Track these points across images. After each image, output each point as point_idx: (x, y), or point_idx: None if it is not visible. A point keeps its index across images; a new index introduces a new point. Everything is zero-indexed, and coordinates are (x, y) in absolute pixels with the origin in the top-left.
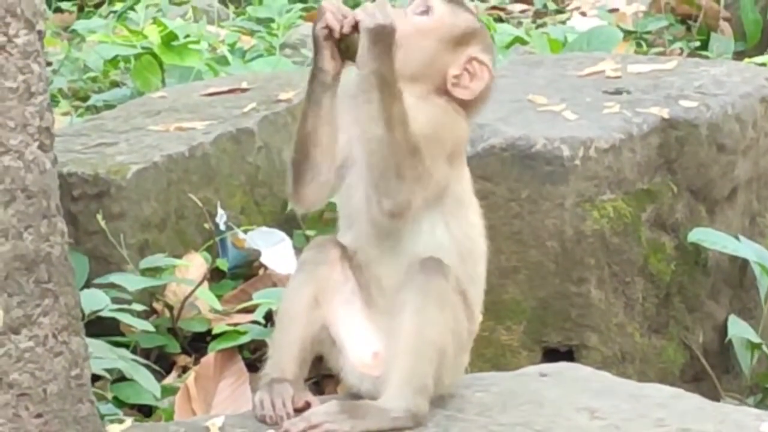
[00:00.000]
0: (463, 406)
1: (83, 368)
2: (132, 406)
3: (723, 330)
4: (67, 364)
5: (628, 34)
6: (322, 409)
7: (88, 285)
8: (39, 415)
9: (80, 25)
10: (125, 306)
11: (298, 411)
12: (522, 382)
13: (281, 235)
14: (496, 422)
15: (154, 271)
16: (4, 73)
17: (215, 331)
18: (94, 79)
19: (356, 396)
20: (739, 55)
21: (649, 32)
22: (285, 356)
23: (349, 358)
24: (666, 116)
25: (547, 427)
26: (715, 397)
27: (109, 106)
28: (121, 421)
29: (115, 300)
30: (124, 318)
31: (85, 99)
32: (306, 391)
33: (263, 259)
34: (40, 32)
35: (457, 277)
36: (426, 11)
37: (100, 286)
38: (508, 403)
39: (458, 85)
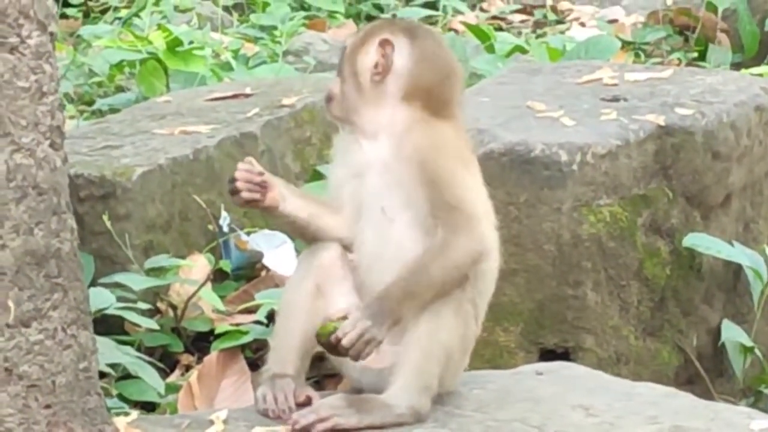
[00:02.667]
0: (461, 402)
1: (91, 361)
2: (136, 404)
3: (717, 334)
4: (76, 357)
5: (626, 44)
6: (330, 401)
7: (93, 284)
8: (48, 406)
9: (86, 31)
10: (130, 305)
11: (300, 405)
12: (518, 380)
13: (283, 237)
14: (493, 418)
15: (158, 272)
16: (16, 73)
17: (218, 331)
18: (99, 84)
19: (358, 389)
20: (736, 67)
21: (647, 43)
22: (287, 350)
23: None
24: (662, 123)
25: (543, 424)
26: (709, 400)
27: (114, 110)
28: (126, 414)
29: (120, 299)
30: (130, 316)
31: (91, 103)
32: (307, 386)
33: (265, 261)
34: (52, 34)
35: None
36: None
37: (105, 285)
38: (504, 400)
39: (380, 74)
